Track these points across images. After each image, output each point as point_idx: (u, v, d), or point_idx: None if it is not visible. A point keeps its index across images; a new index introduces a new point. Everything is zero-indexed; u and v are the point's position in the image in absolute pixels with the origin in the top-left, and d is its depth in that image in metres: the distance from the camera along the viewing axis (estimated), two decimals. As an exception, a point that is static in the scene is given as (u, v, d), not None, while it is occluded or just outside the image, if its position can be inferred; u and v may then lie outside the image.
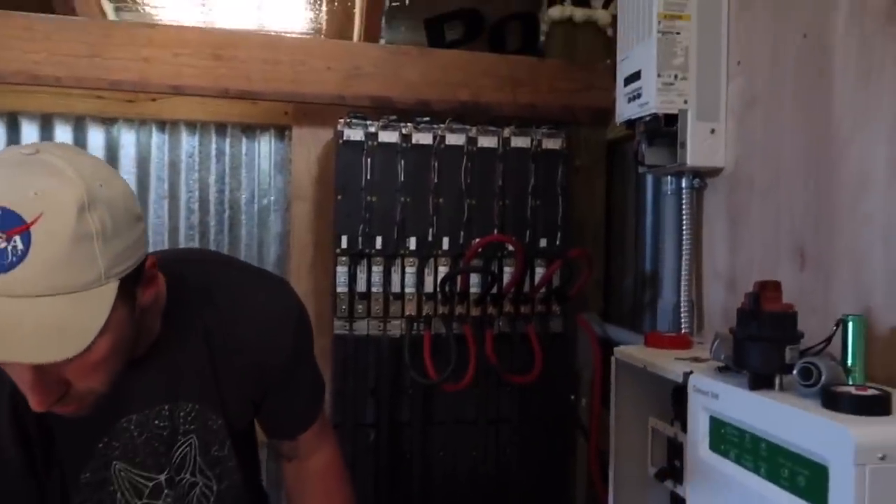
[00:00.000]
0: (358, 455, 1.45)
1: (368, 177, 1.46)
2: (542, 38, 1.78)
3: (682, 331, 1.21)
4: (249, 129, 1.71)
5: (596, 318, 1.59)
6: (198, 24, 1.65)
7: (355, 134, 1.46)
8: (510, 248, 1.48)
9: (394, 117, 1.49)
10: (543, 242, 1.52)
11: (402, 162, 1.48)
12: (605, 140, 1.69)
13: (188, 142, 1.67)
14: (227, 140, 1.69)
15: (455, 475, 1.49)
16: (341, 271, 1.43)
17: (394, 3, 1.64)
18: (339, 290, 1.43)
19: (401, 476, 1.48)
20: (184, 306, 0.83)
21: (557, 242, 1.52)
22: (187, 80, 1.47)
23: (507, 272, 1.50)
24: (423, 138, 1.49)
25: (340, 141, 1.46)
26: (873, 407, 0.67)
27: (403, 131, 1.48)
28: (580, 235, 1.60)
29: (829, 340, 0.78)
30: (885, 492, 0.61)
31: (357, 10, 1.64)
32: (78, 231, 0.61)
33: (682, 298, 1.23)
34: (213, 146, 1.69)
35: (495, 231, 1.49)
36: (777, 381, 0.77)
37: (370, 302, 1.45)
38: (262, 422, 0.97)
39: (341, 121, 1.47)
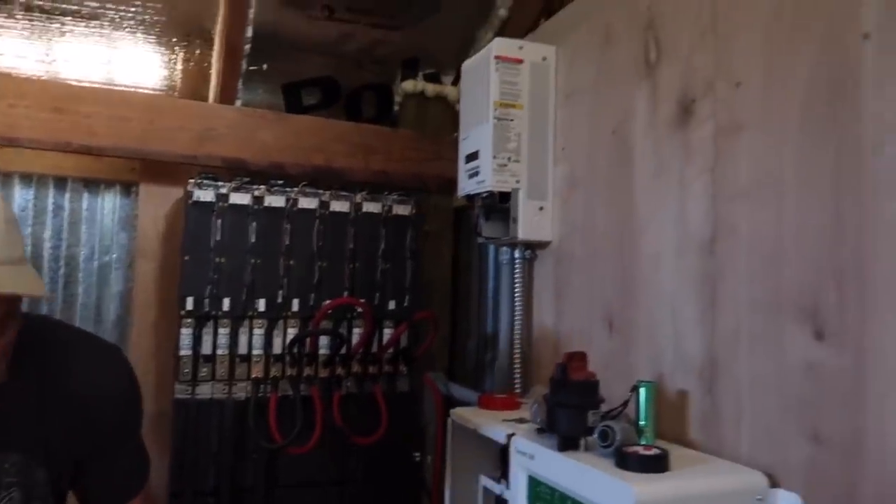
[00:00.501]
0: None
1: (218, 238, 1.46)
2: (396, 108, 1.88)
3: (515, 389, 1.31)
4: (93, 184, 1.65)
5: (441, 377, 1.66)
6: (40, 75, 1.59)
7: (206, 195, 1.46)
8: (360, 309, 1.52)
9: (247, 179, 1.51)
10: (392, 304, 1.58)
11: (254, 224, 1.49)
12: (453, 207, 1.80)
13: (22, 195, 1.59)
14: (67, 194, 1.62)
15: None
16: (185, 333, 1.41)
17: (251, 68, 1.67)
18: (182, 352, 1.40)
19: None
20: (19, 357, 0.83)
21: (405, 304, 1.59)
22: (24, 132, 1.41)
23: (356, 333, 1.54)
24: (276, 201, 1.52)
25: (190, 201, 1.45)
26: (654, 465, 0.78)
27: (255, 193, 1.50)
28: (428, 298, 1.68)
29: (625, 404, 0.90)
30: (660, 539, 0.71)
31: (213, 72, 1.66)
32: (8, 215, 0.78)
33: (515, 359, 1.34)
34: (51, 200, 1.61)
35: (345, 293, 1.54)
36: (582, 442, 0.86)
37: (215, 364, 1.43)
38: (81, 491, 0.95)
39: (191, 181, 1.46)
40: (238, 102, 1.69)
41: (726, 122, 0.92)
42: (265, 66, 1.71)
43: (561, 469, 0.84)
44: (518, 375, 1.32)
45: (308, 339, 1.47)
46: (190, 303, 1.42)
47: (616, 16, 1.17)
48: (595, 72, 1.22)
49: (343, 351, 1.52)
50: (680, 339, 0.98)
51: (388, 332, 1.57)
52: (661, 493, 0.73)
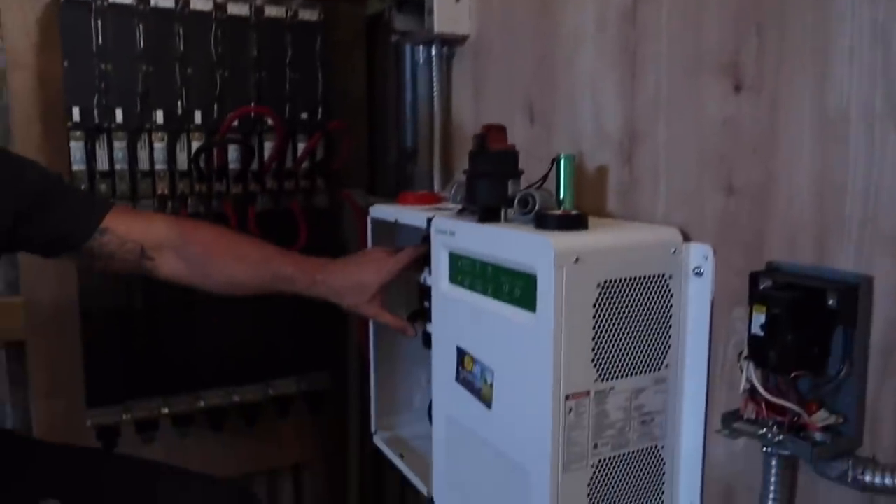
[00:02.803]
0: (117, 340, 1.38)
1: (100, 42, 1.30)
2: None
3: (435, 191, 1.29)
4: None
5: (361, 192, 1.62)
6: None
7: (80, -8, 1.28)
8: (270, 122, 1.43)
9: (128, -24, 1.33)
10: (304, 115, 1.49)
11: (141, 26, 1.34)
12: (365, 14, 1.68)
13: None
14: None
15: (220, 352, 1.47)
16: (76, 147, 1.29)
17: None
18: (75, 167, 1.29)
19: (157, 357, 1.43)
20: None
21: (318, 116, 1.50)
22: None
23: (268, 148, 1.46)
24: (164, 1, 1.36)
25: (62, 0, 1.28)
26: (572, 224, 0.78)
27: (139, -8, 1.34)
28: (342, 109, 1.60)
29: (545, 178, 0.88)
30: (577, 287, 0.73)
31: None
32: None
33: (435, 164, 1.30)
34: None
35: (252, 104, 1.44)
36: (503, 213, 0.85)
37: (115, 180, 1.33)
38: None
39: (62, -24, 1.28)
40: None
41: None
42: None
43: (481, 238, 0.83)
44: (437, 178, 1.30)
45: (216, 152, 1.38)
46: (76, 113, 1.29)
47: None
48: None
49: (255, 167, 1.45)
50: (600, 115, 0.96)
51: (301, 147, 1.50)
52: (580, 244, 0.73)
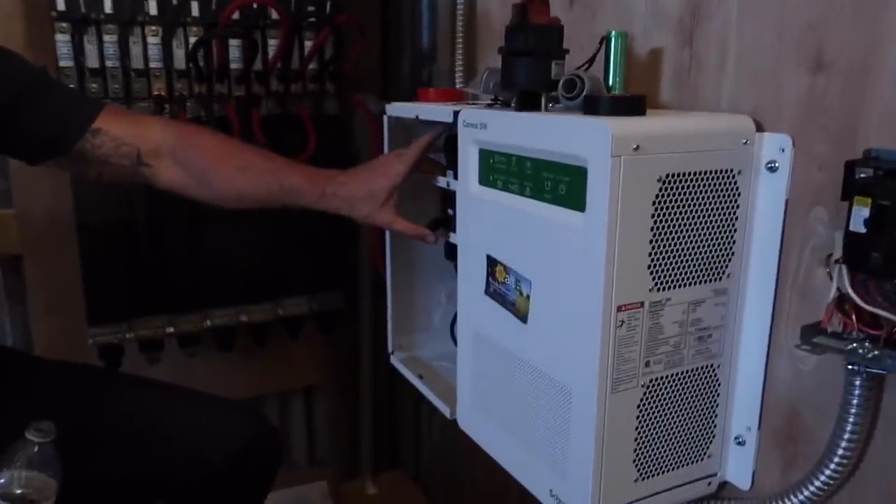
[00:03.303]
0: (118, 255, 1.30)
1: (80, -80, 1.16)
2: None
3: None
4: None
5: (373, 98, 1.49)
6: None
7: None
8: (274, 15, 1.30)
9: None
10: (311, 9, 1.35)
11: None
12: None
13: None
14: None
15: (228, 270, 1.39)
16: (62, 40, 1.17)
17: None
18: (62, 64, 1.18)
19: (161, 274, 1.35)
20: None
21: (327, 10, 1.36)
22: None
23: (273, 46, 1.33)
24: None
25: None
26: (629, 107, 0.66)
27: None
28: (352, 4, 1.45)
29: (592, 60, 0.77)
30: (636, 181, 0.62)
31: None
32: None
33: (458, 58, 1.18)
34: None
35: (254, -4, 1.30)
36: (543, 101, 0.74)
37: (106, 80, 1.21)
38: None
39: None
40: None
41: None
42: None
43: (521, 127, 0.72)
44: (460, 75, 1.17)
45: (215, 48, 1.26)
46: (61, 1, 1.16)
47: None
48: None
49: (259, 67, 1.32)
50: (655, -10, 0.83)
51: (309, 46, 1.37)
52: (640, 130, 0.62)
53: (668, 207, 0.65)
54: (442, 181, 0.94)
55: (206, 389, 1.11)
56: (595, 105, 0.66)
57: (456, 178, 0.89)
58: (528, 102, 0.73)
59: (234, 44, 1.29)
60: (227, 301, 1.41)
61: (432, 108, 0.91)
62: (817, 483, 0.66)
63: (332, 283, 1.52)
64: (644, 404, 0.70)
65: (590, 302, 0.65)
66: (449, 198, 0.93)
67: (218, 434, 1.04)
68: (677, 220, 0.66)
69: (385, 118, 1.03)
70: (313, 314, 1.51)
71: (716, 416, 0.76)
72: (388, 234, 1.09)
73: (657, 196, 0.64)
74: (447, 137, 0.93)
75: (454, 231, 0.92)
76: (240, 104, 1.31)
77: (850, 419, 0.62)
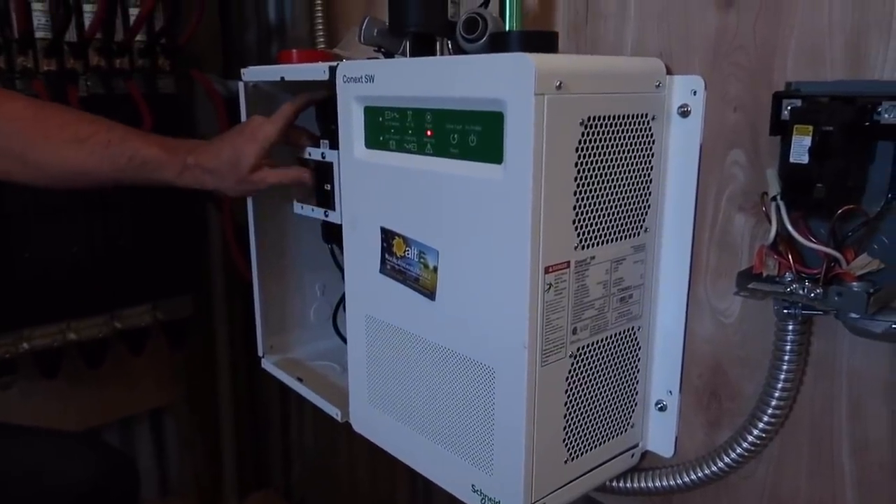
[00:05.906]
0: None
1: None
2: None
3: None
4: None
5: (217, 77, 1.33)
6: None
7: None
8: (88, -24, 1.10)
9: None
10: (135, -28, 1.17)
11: None
12: None
13: None
14: None
15: (48, 279, 1.16)
16: None
17: None
18: None
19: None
20: None
21: (154, -27, 1.18)
22: None
23: (91, 13, 1.13)
24: None
25: None
26: (542, 43, 0.59)
27: None
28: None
29: (486, 2, 0.69)
30: (558, 124, 0.55)
31: None
32: None
33: (317, 24, 1.06)
34: None
35: (62, -47, 1.09)
36: (439, 46, 0.65)
37: None
38: None
39: None
40: None
41: None
42: None
43: (419, 75, 0.63)
44: (323, 40, 1.05)
45: (13, 10, 1.04)
46: None
47: None
48: None
49: (74, 39, 1.11)
50: (540, -65, 0.77)
51: (135, 14, 1.18)
52: (564, 66, 0.55)
53: (590, 155, 0.59)
54: (316, 152, 0.82)
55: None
56: (504, 42, 0.59)
57: (333, 147, 0.77)
58: (423, 48, 0.64)
59: (38, 7, 1.07)
60: (48, 317, 1.18)
61: (301, 67, 0.79)
62: (750, 438, 0.63)
63: (179, 288, 1.33)
64: (572, 376, 0.63)
65: (514, 265, 0.57)
66: (325, 171, 0.82)
67: (63, 476, 0.84)
68: (598, 169, 0.60)
69: (240, 86, 0.89)
70: (159, 324, 1.32)
71: (637, 382, 0.71)
72: (251, 222, 0.95)
73: (580, 142, 0.57)
74: (320, 103, 0.82)
75: (333, 209, 0.81)
76: (50, 81, 1.10)
77: (784, 366, 0.60)
